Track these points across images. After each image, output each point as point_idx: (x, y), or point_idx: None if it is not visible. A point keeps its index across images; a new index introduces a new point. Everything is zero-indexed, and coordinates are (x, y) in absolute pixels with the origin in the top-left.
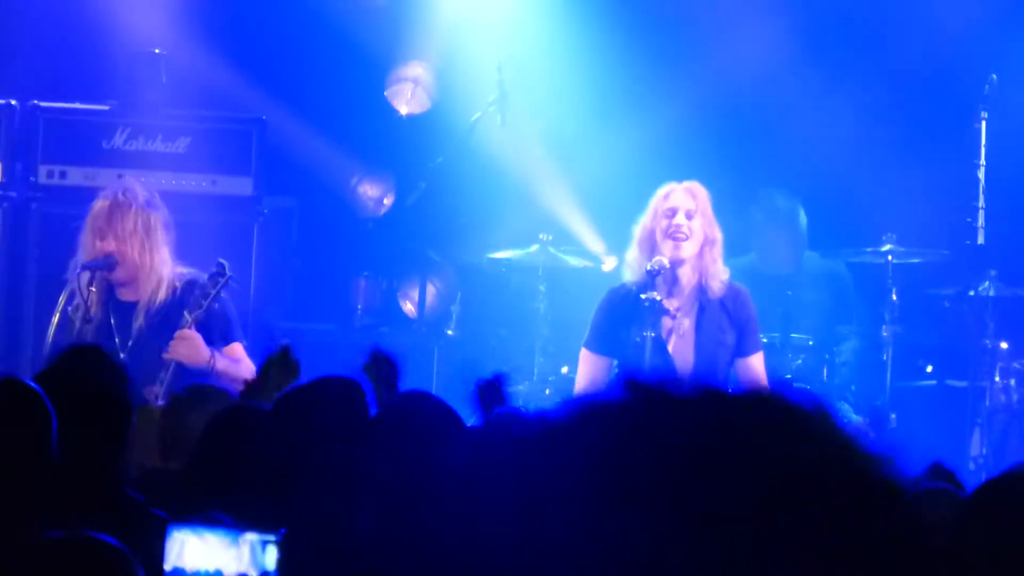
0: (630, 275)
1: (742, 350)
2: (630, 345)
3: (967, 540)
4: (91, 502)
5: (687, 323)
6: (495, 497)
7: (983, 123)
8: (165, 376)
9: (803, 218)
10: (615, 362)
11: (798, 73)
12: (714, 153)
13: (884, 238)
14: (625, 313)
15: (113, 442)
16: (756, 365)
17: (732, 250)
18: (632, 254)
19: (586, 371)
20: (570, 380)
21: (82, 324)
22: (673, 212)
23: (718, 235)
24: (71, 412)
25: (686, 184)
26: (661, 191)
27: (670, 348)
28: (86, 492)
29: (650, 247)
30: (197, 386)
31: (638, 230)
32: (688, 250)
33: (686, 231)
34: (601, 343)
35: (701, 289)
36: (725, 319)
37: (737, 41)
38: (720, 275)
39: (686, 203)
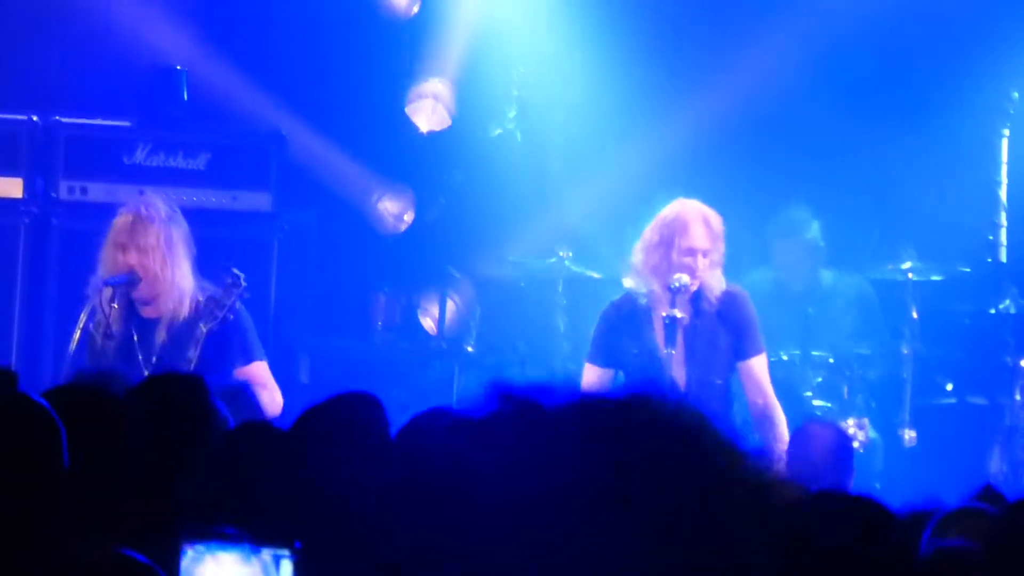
0: (634, 283)
1: (740, 352)
2: (631, 356)
3: (998, 557)
4: (111, 519)
5: (682, 328)
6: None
7: (1004, 140)
8: None
9: (815, 231)
10: (619, 373)
11: (817, 88)
12: (733, 168)
13: (904, 255)
14: (626, 325)
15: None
16: (757, 367)
17: (752, 263)
18: (639, 263)
19: (589, 385)
20: None
21: (103, 340)
22: (692, 252)
23: (721, 256)
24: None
25: (706, 215)
26: (681, 219)
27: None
28: (105, 509)
29: (662, 267)
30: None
31: (649, 241)
32: (696, 284)
33: (700, 271)
34: (603, 356)
35: (698, 297)
36: (719, 322)
37: (756, 56)
38: (717, 286)
39: (704, 244)
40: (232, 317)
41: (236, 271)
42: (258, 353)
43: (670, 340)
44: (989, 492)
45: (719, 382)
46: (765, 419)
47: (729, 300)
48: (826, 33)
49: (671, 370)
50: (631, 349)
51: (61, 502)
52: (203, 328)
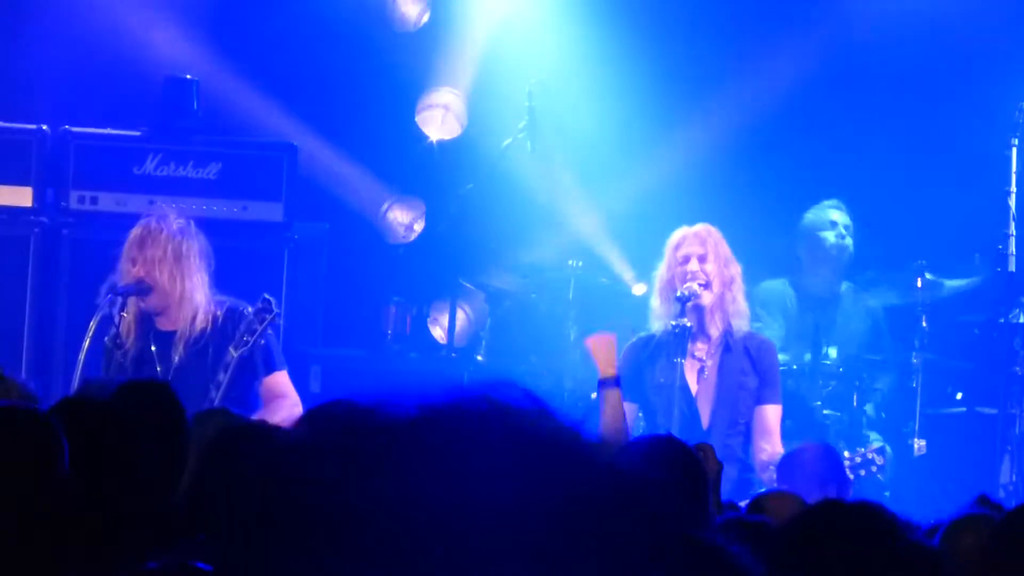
0: (656, 324)
1: (762, 397)
2: (654, 388)
3: (996, 563)
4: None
5: (711, 364)
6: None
7: (1014, 150)
8: (208, 407)
9: (848, 231)
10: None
11: (828, 101)
12: (744, 179)
13: (915, 265)
14: (648, 359)
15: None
16: (772, 415)
17: (765, 273)
18: (655, 303)
19: None
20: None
21: (114, 349)
22: (686, 259)
23: (735, 273)
24: (124, 443)
25: (695, 228)
26: (672, 240)
27: (694, 389)
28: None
29: (669, 283)
30: (208, 411)
31: (657, 280)
32: (707, 298)
33: (702, 277)
34: (627, 390)
35: (727, 332)
36: (748, 363)
37: (768, 69)
38: (743, 312)
39: (696, 249)
40: (263, 342)
41: (268, 296)
42: (280, 363)
43: (681, 350)
44: (984, 501)
45: (742, 422)
46: (767, 466)
47: (760, 344)
48: (837, 47)
49: (698, 399)
50: (657, 379)
51: (63, 516)
52: (234, 353)
